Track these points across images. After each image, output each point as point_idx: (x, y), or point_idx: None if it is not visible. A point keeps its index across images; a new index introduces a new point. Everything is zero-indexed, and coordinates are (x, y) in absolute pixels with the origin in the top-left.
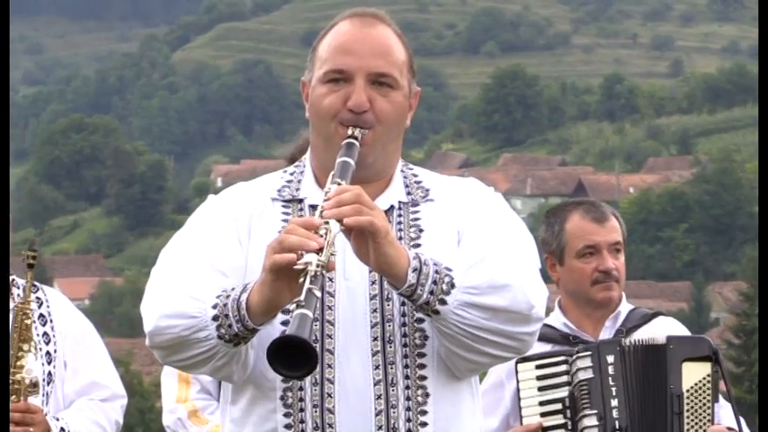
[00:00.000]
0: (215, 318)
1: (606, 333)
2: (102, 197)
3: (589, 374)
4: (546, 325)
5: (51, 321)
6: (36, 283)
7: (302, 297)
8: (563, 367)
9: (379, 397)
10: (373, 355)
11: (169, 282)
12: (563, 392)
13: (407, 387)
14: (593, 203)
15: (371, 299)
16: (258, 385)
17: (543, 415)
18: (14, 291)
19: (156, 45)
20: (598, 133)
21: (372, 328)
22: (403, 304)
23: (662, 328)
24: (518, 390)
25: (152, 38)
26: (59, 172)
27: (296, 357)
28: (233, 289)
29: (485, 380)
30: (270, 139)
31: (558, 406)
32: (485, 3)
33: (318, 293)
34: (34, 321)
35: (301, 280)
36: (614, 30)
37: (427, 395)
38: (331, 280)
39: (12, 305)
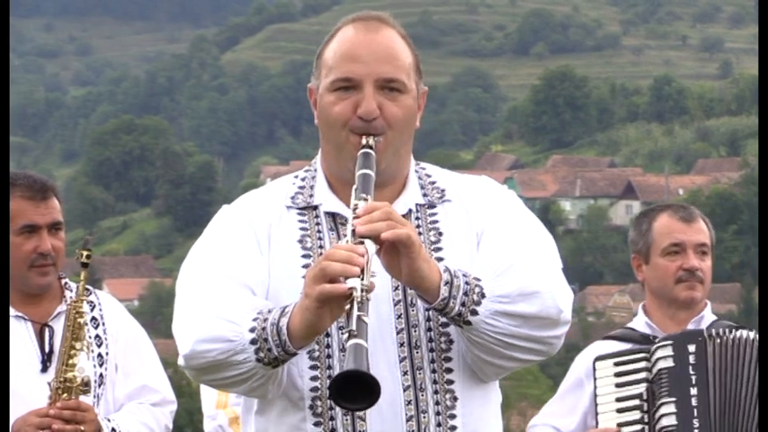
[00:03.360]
0: (253, 341)
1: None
2: (151, 198)
3: (669, 363)
4: (626, 327)
5: (103, 324)
6: (89, 287)
7: (354, 326)
8: (642, 363)
9: (409, 402)
10: (401, 361)
11: (201, 303)
12: (640, 388)
13: (436, 392)
14: (683, 206)
15: (396, 305)
16: (287, 395)
17: (620, 411)
18: (67, 293)
19: (205, 46)
20: (647, 135)
21: (398, 333)
22: (428, 309)
23: None
24: (595, 387)
25: (201, 39)
26: (109, 173)
27: (353, 389)
28: (269, 311)
29: (564, 379)
30: (319, 141)
31: (636, 402)
32: (534, 4)
33: (368, 320)
34: (86, 323)
35: (347, 307)
36: (663, 31)
37: (455, 399)
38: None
39: (64, 306)
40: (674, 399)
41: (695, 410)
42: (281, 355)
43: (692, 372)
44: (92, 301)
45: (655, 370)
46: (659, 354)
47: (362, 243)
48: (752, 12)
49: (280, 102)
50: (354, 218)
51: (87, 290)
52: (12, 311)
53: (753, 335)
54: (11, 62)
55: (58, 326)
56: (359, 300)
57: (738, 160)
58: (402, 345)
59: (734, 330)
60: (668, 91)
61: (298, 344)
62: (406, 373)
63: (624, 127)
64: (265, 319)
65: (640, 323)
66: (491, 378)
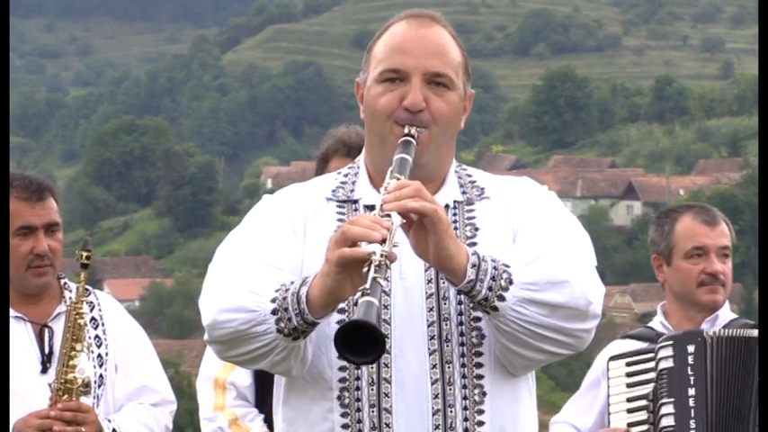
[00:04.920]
0: (274, 311)
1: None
2: (152, 198)
3: (669, 364)
4: (647, 327)
5: (103, 325)
6: (88, 288)
7: (368, 285)
8: (650, 364)
9: (436, 396)
10: (430, 354)
11: (227, 277)
12: (648, 388)
13: (464, 386)
14: (705, 207)
15: (428, 297)
16: (315, 384)
17: (630, 411)
18: (66, 294)
19: (206, 46)
20: (648, 135)
21: (429, 326)
22: (460, 303)
23: None
24: (608, 386)
25: (202, 39)
26: (110, 173)
27: (362, 344)
28: (292, 283)
29: (585, 378)
30: (320, 141)
31: (643, 402)
32: (535, 4)
33: (383, 282)
34: (86, 324)
35: (365, 269)
36: (664, 32)
37: (484, 394)
38: (387, 279)
39: (64, 307)
40: (672, 399)
41: (692, 411)
42: (300, 324)
43: (690, 372)
44: (91, 302)
45: (658, 370)
46: (661, 354)
47: (389, 216)
48: (753, 12)
49: (281, 102)
50: (385, 194)
51: (87, 290)
52: (11, 312)
53: (754, 331)
54: (12, 62)
55: (58, 326)
56: (377, 263)
57: (739, 161)
58: (432, 338)
59: (738, 330)
60: (669, 91)
61: (316, 313)
62: (434, 367)
63: (625, 127)
64: (287, 290)
65: (658, 324)
66: (520, 372)
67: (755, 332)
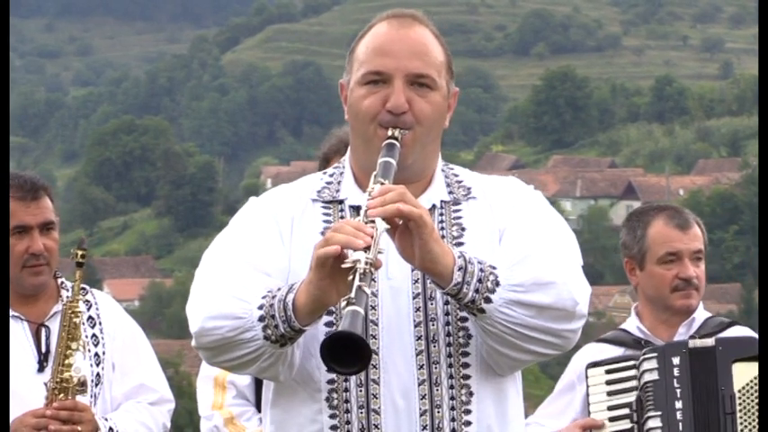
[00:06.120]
0: (261, 318)
1: (679, 339)
2: (152, 198)
3: (654, 376)
4: (621, 329)
5: (100, 323)
6: (85, 286)
7: (353, 294)
8: (632, 372)
9: (423, 397)
10: (417, 355)
11: (214, 283)
12: (631, 397)
13: (451, 386)
14: (676, 209)
15: (414, 298)
16: (304, 386)
17: (611, 420)
18: (63, 293)
19: (205, 46)
20: (648, 135)
21: (416, 327)
22: (446, 303)
23: None
24: (587, 394)
25: (202, 39)
26: (110, 173)
27: (347, 354)
28: (279, 289)
29: (558, 381)
30: (319, 141)
31: (626, 411)
32: (535, 4)
33: (368, 290)
34: (83, 323)
35: (350, 278)
36: (664, 32)
37: (471, 394)
38: (374, 280)
39: (60, 306)
40: (659, 413)
41: (680, 424)
42: (287, 331)
43: (676, 385)
44: (88, 301)
45: (642, 381)
46: (645, 366)
47: (373, 222)
48: (752, 12)
49: (280, 102)
50: (369, 199)
51: (83, 289)
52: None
53: (711, 340)
54: (12, 62)
55: (55, 326)
56: (361, 271)
57: (739, 161)
58: (419, 338)
59: (701, 341)
60: (669, 91)
61: (303, 320)
62: (421, 367)
63: (625, 127)
64: (273, 296)
65: (632, 326)
66: (507, 372)
67: (711, 341)
